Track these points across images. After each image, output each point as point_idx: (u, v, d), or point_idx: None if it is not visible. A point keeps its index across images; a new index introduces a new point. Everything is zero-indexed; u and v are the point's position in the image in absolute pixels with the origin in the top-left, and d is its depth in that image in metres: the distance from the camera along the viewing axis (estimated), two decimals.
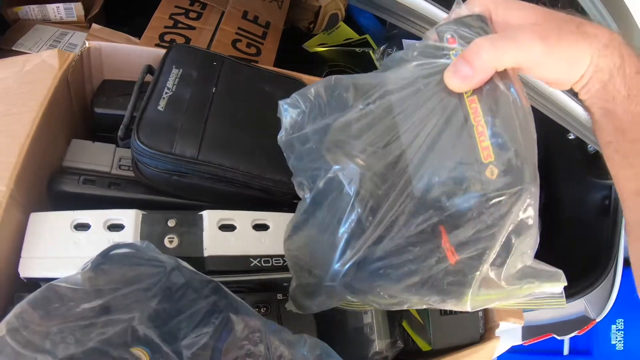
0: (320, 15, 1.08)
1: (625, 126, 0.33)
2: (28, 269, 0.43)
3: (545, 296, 0.35)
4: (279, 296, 0.51)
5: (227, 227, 0.49)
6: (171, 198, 0.55)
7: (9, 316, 0.30)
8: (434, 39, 0.36)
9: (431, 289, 0.34)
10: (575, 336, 1.13)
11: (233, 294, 0.35)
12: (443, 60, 0.34)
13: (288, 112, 0.39)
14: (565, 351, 1.27)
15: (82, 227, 0.45)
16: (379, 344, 0.51)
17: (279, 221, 0.51)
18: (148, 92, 0.53)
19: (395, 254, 0.33)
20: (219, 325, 0.32)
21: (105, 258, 0.35)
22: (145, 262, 0.34)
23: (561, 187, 1.13)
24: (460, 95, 0.33)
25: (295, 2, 1.06)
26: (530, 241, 0.33)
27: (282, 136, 0.40)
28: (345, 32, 1.15)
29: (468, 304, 0.33)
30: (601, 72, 0.32)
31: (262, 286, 0.52)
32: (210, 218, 0.49)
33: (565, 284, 0.35)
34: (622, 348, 1.22)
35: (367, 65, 1.05)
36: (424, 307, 0.36)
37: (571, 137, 0.92)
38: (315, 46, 1.10)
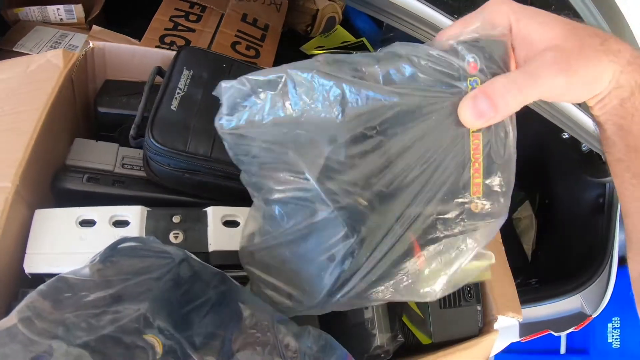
0: (318, 19, 1.09)
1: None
2: (33, 265, 0.43)
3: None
4: None
5: (231, 223, 0.50)
6: (175, 196, 0.55)
7: (20, 305, 0.30)
8: (445, 48, 0.32)
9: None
10: (572, 335, 1.14)
11: (240, 284, 0.36)
12: (457, 86, 0.32)
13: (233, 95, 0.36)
14: (562, 350, 1.28)
15: (88, 223, 0.46)
16: (380, 338, 0.52)
17: None
18: (160, 92, 0.54)
19: (384, 275, 0.34)
20: (228, 314, 0.33)
21: (114, 251, 0.35)
22: (154, 255, 0.35)
23: (556, 186, 1.15)
24: (467, 129, 0.32)
25: (293, 6, 1.07)
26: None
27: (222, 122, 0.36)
28: (342, 35, 1.16)
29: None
30: (621, 89, 0.31)
31: None
32: (215, 214, 0.49)
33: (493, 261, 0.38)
34: (619, 346, 1.23)
35: None
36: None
37: (565, 136, 0.93)
38: (313, 49, 1.11)
